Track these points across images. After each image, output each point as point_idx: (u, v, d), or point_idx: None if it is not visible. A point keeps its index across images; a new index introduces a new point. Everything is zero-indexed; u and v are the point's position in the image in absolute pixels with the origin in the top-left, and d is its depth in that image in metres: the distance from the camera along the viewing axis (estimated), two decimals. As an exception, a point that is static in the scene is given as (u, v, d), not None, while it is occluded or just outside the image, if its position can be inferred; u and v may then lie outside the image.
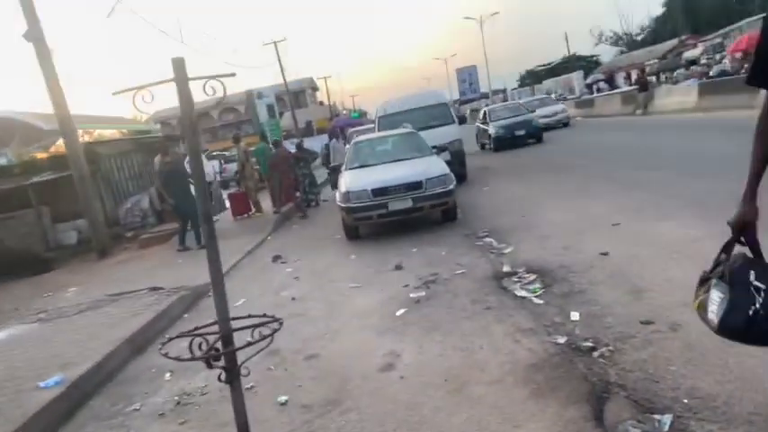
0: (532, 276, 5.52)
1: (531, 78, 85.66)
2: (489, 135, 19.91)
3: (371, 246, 8.25)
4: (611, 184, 9.30)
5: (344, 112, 77.16)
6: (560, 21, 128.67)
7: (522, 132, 19.14)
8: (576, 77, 61.66)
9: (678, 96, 19.69)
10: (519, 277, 5.60)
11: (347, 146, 12.24)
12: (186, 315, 6.43)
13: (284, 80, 45.02)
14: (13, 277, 12.55)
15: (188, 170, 12.80)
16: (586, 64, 72.44)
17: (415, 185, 8.24)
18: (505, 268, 5.89)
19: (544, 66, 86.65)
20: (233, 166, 20.36)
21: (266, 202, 14.48)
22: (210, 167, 13.05)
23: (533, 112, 20.96)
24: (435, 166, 8.73)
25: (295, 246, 9.40)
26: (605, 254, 5.59)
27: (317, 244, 9.18)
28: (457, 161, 13.12)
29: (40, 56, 11.99)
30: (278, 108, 54.31)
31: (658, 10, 63.71)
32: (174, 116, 78.86)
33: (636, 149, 13.05)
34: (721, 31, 47.16)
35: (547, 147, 18.08)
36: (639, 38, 67.63)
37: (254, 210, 13.11)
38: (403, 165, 9.15)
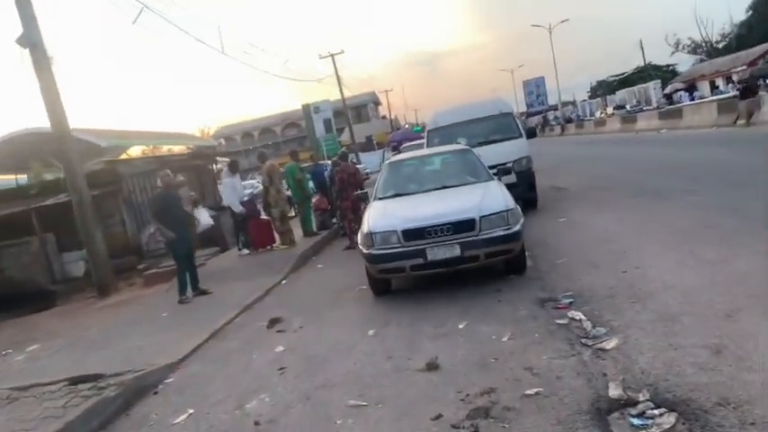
0: (666, 417, 3.00)
1: (603, 89, 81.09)
2: None
3: (401, 310, 5.84)
4: (748, 223, 6.51)
5: (406, 126, 75.37)
6: (633, 29, 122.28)
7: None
8: (653, 87, 57.32)
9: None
10: (641, 414, 3.09)
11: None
12: None
13: (341, 93, 43.45)
14: (13, 312, 11.08)
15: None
16: (662, 74, 67.66)
17: (466, 225, 5.80)
18: (614, 392, 3.36)
19: (617, 76, 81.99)
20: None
21: (297, 230, 12.38)
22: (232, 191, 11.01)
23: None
24: (495, 197, 6.25)
25: (306, 300, 7.13)
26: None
27: (334, 300, 6.87)
28: (525, 184, 10.56)
29: (37, 64, 10.40)
30: (339, 123, 53.30)
31: (742, 15, 58.50)
32: (239, 131, 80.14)
33: (759, 172, 10.04)
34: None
35: (625, 163, 15.09)
36: (721, 45, 62.57)
37: (278, 242, 10.92)
38: (451, 195, 6.73)
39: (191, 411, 4.27)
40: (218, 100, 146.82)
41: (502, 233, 5.81)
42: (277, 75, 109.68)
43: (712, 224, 6.80)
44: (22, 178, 17.91)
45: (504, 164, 10.41)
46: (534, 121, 71.24)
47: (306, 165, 15.34)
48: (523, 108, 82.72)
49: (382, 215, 6.35)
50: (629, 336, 4.12)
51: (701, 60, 62.26)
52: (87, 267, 12.05)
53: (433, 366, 4.17)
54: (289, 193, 12.09)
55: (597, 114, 61.96)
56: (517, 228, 5.89)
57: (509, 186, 9.70)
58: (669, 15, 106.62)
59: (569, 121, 57.88)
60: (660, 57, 72.99)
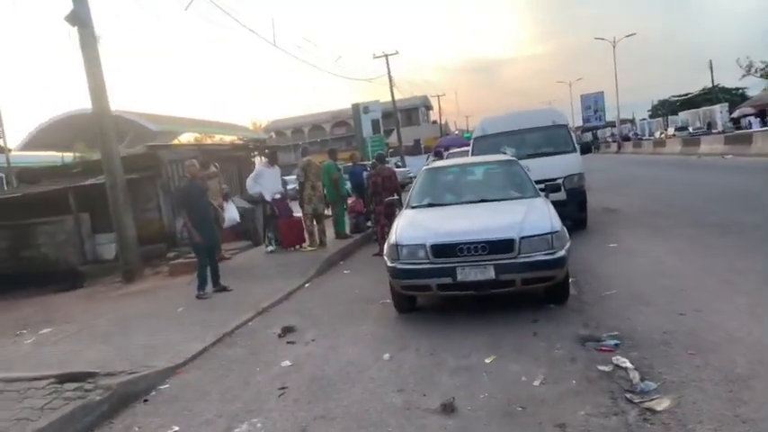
0: None
1: (665, 109, 78.14)
2: None
3: (423, 333, 5.28)
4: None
5: (456, 132, 74.51)
6: (701, 49, 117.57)
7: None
8: (719, 110, 54.71)
9: None
10: None
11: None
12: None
13: (392, 95, 43.05)
14: (41, 290, 11.08)
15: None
16: (731, 96, 64.54)
17: (503, 246, 5.19)
18: (666, 472, 2.73)
19: (680, 96, 78.93)
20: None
21: (330, 231, 11.94)
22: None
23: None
24: (539, 216, 5.61)
25: (324, 309, 6.64)
26: None
27: (353, 312, 6.36)
28: (575, 203, 9.82)
29: (84, 43, 10.32)
30: (388, 124, 52.95)
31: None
32: (290, 126, 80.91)
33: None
34: None
35: (685, 188, 14.02)
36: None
37: (307, 242, 10.49)
38: (490, 209, 6.12)
39: (176, 429, 3.83)
40: (271, 94, 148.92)
41: (543, 258, 5.17)
42: (329, 71, 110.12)
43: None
44: (69, 156, 18.25)
45: (554, 179, 9.71)
46: (588, 136, 69.22)
47: (345, 164, 14.90)
48: (579, 122, 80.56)
49: (411, 226, 5.80)
50: (685, 396, 3.45)
51: (773, 86, 59.08)
52: (118, 250, 11.96)
53: (449, 408, 3.60)
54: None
55: (656, 134, 59.65)
56: (562, 253, 5.24)
57: (557, 204, 9.00)
58: (742, 37, 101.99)
59: (627, 139, 55.86)
60: (728, 79, 69.57)
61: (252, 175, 10.68)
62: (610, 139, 62.87)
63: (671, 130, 56.52)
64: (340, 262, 9.82)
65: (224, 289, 8.06)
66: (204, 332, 5.99)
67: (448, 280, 5.24)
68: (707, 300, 5.25)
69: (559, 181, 9.73)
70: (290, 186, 13.32)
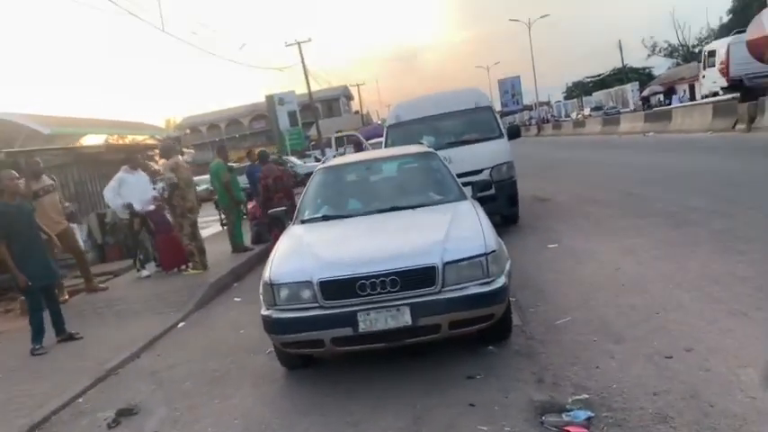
0: None
1: (579, 90, 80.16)
2: None
3: (316, 408, 3.67)
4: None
5: (378, 122, 73.30)
6: (608, 31, 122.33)
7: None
8: (630, 89, 56.35)
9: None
10: None
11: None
12: None
13: (308, 84, 40.89)
14: None
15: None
16: (638, 76, 66.81)
17: (421, 276, 3.64)
18: None
19: (593, 77, 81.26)
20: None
21: (218, 246, 10.05)
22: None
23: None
24: (468, 229, 4.10)
25: (191, 367, 4.87)
26: None
27: (228, 370, 4.64)
28: (504, 196, 8.50)
29: None
30: (308, 117, 50.70)
31: (717, 21, 57.80)
32: (205, 122, 76.68)
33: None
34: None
35: (616, 169, 13.12)
36: (697, 49, 62.05)
37: (189, 264, 8.50)
38: (403, 222, 4.54)
39: None
40: (184, 91, 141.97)
41: (477, 290, 3.66)
42: (232, 60, 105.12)
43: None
44: None
45: (480, 170, 8.34)
46: (508, 120, 69.82)
47: (236, 164, 12.89)
48: (498, 107, 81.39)
49: (295, 253, 4.13)
50: None
51: (678, 64, 61.46)
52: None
53: None
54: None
55: (573, 116, 60.73)
56: (501, 281, 3.74)
57: (484, 200, 7.64)
58: (647, 18, 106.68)
59: (546, 121, 56.52)
60: (636, 59, 72.14)
61: (110, 184, 8.52)
62: (528, 123, 63.51)
63: (587, 111, 57.64)
64: (233, 285, 8.02)
65: (71, 337, 6.13)
66: (9, 419, 4.13)
67: (347, 331, 3.63)
68: (694, 329, 3.92)
69: (486, 172, 8.39)
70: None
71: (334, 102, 77.51)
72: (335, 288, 3.66)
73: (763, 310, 3.98)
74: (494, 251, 3.78)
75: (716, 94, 25.07)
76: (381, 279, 3.61)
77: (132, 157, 8.77)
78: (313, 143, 46.80)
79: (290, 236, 4.59)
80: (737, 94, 19.25)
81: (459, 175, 8.34)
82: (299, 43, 39.30)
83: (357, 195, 5.25)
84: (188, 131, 73.51)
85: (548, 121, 56.82)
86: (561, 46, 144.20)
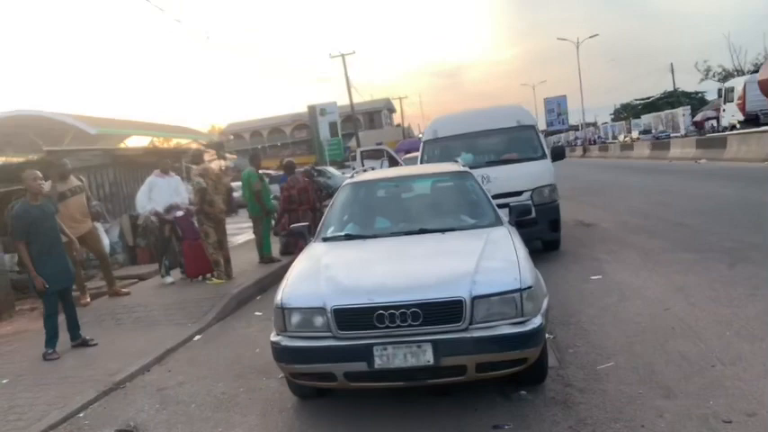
0: None
1: (627, 112, 78.26)
2: None
3: (330, 426, 3.34)
4: None
5: (420, 135, 72.99)
6: (660, 53, 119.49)
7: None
8: (681, 113, 54.55)
9: None
10: None
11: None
12: None
13: (350, 95, 41.07)
14: None
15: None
16: (690, 100, 64.76)
17: (446, 310, 3.28)
18: None
19: (642, 100, 79.29)
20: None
21: (247, 255, 9.88)
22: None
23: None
24: (502, 259, 3.71)
25: (199, 387, 4.60)
26: None
27: (236, 394, 4.35)
28: (546, 221, 8.04)
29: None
30: (347, 128, 50.87)
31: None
32: (248, 129, 77.92)
33: None
34: None
35: (666, 197, 12.40)
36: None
37: (214, 273, 8.27)
38: (431, 247, 4.18)
39: None
40: (229, 98, 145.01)
41: (509, 331, 3.26)
42: (274, 69, 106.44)
43: None
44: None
45: (520, 193, 7.92)
46: (552, 140, 68.66)
47: (273, 172, 12.70)
48: (543, 126, 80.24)
49: (311, 274, 3.81)
50: None
51: (732, 90, 59.36)
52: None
53: None
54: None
55: (621, 138, 59.18)
56: (537, 321, 3.34)
57: (524, 224, 7.19)
58: (701, 41, 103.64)
59: (592, 142, 55.25)
60: (687, 83, 70.08)
61: (142, 188, 8.43)
62: (574, 144, 62.26)
63: (635, 134, 56.06)
64: (257, 297, 7.78)
65: (85, 343, 5.98)
66: (3, 433, 3.93)
67: (361, 366, 3.29)
68: (756, 389, 3.42)
69: (527, 194, 7.96)
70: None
71: (376, 114, 77.75)
72: (350, 317, 3.33)
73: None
74: (530, 287, 3.37)
75: (734, 126, 27.09)
76: (402, 311, 3.25)
77: (163, 161, 8.65)
78: (353, 154, 46.88)
79: (308, 255, 4.29)
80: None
81: (498, 196, 7.98)
82: (342, 55, 39.51)
83: (384, 214, 4.92)
84: (231, 137, 74.82)
85: (594, 143, 55.50)
86: (610, 67, 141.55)
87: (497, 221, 4.60)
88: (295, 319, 3.46)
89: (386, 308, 3.27)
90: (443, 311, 3.27)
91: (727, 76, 64.26)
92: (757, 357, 3.85)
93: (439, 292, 3.30)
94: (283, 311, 3.49)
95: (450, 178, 5.41)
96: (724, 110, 29.97)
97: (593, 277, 6.71)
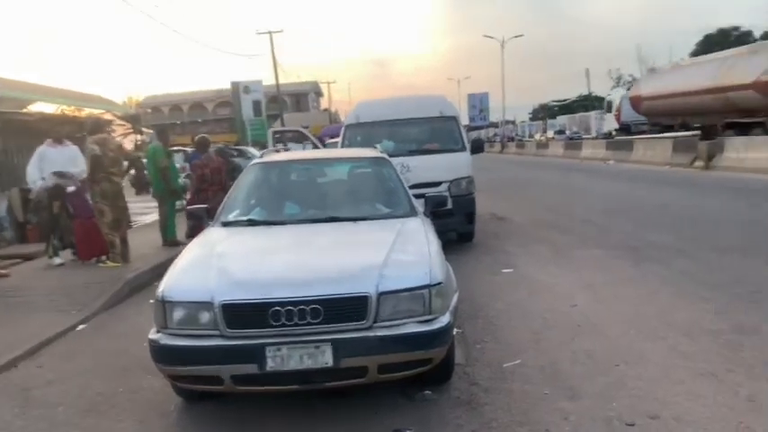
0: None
1: (544, 112, 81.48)
2: None
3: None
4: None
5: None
6: (580, 58, 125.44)
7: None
8: (594, 117, 57.35)
9: (763, 151, 14.59)
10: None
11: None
12: None
13: (276, 75, 39.97)
14: None
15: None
16: (602, 105, 68.31)
17: (349, 307, 3.00)
18: None
19: (559, 101, 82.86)
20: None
21: (147, 236, 9.23)
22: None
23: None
24: (413, 253, 3.48)
25: (71, 386, 4.08)
26: None
27: (114, 395, 3.88)
28: (462, 213, 7.99)
29: None
30: (273, 108, 49.41)
31: (681, 56, 59.60)
32: (167, 103, 73.97)
33: (747, 228, 7.91)
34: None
35: (577, 195, 12.83)
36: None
37: (108, 255, 7.56)
38: (339, 237, 3.89)
39: None
40: (149, 69, 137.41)
41: (416, 329, 3.04)
42: (195, 41, 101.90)
43: (742, 322, 4.33)
44: None
45: (439, 183, 7.80)
46: (472, 135, 70.29)
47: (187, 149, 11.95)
48: (466, 121, 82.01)
49: (200, 264, 3.43)
50: None
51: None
52: None
53: None
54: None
55: (537, 137, 61.44)
56: (445, 320, 3.13)
57: (440, 215, 7.06)
58: (617, 50, 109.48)
59: (510, 139, 56.96)
60: (601, 89, 73.75)
61: (32, 159, 7.57)
62: (493, 140, 64.01)
63: (550, 133, 58.38)
64: (154, 284, 7.15)
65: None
66: None
67: (251, 368, 2.95)
68: (659, 390, 3.40)
69: (444, 185, 7.86)
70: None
71: (303, 96, 76.29)
72: (242, 314, 2.98)
73: (734, 373, 3.49)
74: (440, 283, 3.16)
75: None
76: (301, 307, 2.95)
77: (55, 129, 7.79)
78: (278, 135, 45.63)
79: (202, 242, 3.89)
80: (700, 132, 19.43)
81: (417, 186, 7.83)
82: (270, 33, 38.32)
83: (293, 199, 4.56)
84: (149, 111, 71.10)
85: (512, 140, 57.25)
86: (531, 67, 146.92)
87: (412, 212, 4.37)
88: (177, 314, 3.07)
89: (282, 304, 2.95)
90: (346, 308, 2.99)
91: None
92: (658, 357, 3.87)
93: (343, 287, 3.02)
94: (164, 305, 3.09)
95: (366, 164, 5.12)
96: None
97: (504, 270, 6.69)
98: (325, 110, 74.47)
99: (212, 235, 4.01)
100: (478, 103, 79.13)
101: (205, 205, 4.87)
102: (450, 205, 7.83)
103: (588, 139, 39.30)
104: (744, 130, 19.34)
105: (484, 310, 5.24)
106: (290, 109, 69.69)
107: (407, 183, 7.70)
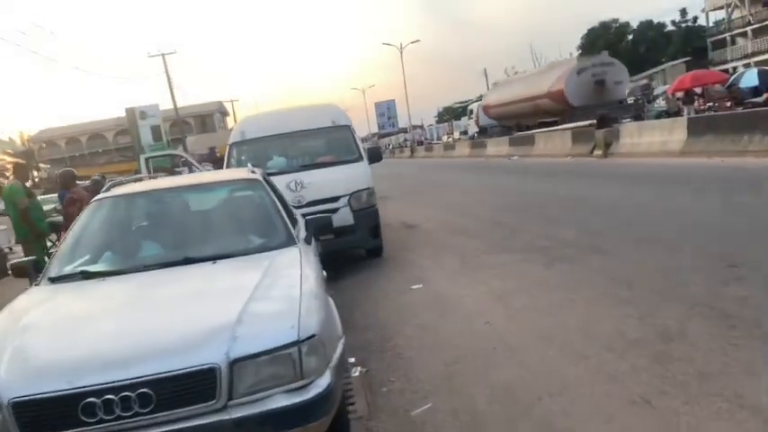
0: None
1: (449, 114, 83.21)
2: None
3: None
4: (727, 322, 3.77)
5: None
6: (476, 60, 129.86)
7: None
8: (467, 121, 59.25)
9: (655, 135, 15.12)
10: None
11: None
12: None
13: (173, 97, 37.92)
14: None
15: None
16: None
17: (191, 383, 2.25)
18: None
19: (461, 103, 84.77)
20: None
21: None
22: None
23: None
24: (277, 298, 2.78)
25: None
26: None
27: None
28: (366, 228, 7.40)
29: None
30: (176, 132, 46.88)
31: (569, 56, 63.03)
32: (63, 136, 68.68)
33: (655, 215, 7.86)
34: (645, 74, 45.60)
35: (484, 194, 12.65)
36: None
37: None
38: (190, 284, 3.12)
39: None
40: (40, 102, 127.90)
41: (284, 403, 2.34)
42: (77, 67, 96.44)
43: (667, 326, 3.97)
44: None
45: (337, 198, 7.20)
46: (385, 142, 70.60)
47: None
48: (375, 129, 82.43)
49: (3, 338, 2.56)
50: None
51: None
52: None
53: None
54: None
55: (444, 139, 62.41)
56: (324, 384, 2.45)
57: (342, 231, 6.46)
58: (510, 48, 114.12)
59: (420, 143, 57.49)
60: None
61: None
62: (404, 145, 64.49)
63: (456, 135, 59.49)
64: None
65: None
66: None
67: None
68: (589, 428, 2.90)
69: (344, 200, 7.24)
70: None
71: (208, 117, 73.81)
72: (41, 413, 2.17)
73: (668, 395, 3.05)
74: (312, 336, 2.48)
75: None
76: (124, 394, 2.18)
77: None
78: (183, 159, 43.26)
79: (11, 309, 2.99)
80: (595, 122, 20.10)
81: (313, 203, 7.18)
82: (163, 54, 36.35)
83: (142, 239, 3.74)
84: (44, 145, 66.18)
85: (421, 144, 57.79)
86: (433, 72, 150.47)
87: (289, 241, 3.66)
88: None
89: (98, 393, 2.17)
90: (188, 388, 2.25)
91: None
92: (584, 383, 3.37)
93: (180, 360, 2.27)
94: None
95: (235, 188, 4.35)
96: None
97: (413, 287, 6.12)
98: (232, 129, 72.09)
99: (28, 298, 3.12)
100: (386, 111, 79.75)
101: (33, 258, 3.92)
102: (351, 220, 7.25)
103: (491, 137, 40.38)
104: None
105: (393, 339, 4.64)
106: (195, 131, 66.87)
107: (302, 201, 7.14)
